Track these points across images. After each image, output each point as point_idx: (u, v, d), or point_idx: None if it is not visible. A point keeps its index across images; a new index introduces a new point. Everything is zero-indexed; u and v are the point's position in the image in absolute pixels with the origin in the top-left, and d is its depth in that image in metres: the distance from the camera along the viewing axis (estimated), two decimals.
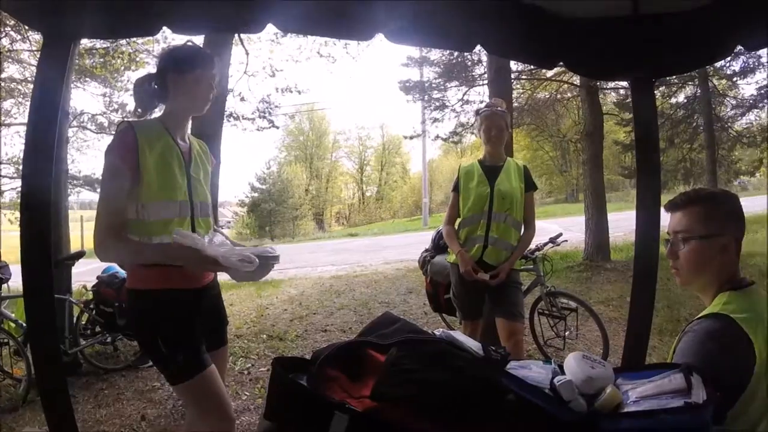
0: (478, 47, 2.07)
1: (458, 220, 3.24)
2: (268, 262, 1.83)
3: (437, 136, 13.75)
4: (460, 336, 1.43)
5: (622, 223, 10.78)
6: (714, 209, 1.42)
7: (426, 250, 4.18)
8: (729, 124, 13.36)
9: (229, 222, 32.88)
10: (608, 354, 4.04)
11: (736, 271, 1.43)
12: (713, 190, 1.52)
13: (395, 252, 13.06)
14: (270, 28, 1.76)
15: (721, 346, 1.27)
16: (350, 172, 45.57)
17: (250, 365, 4.59)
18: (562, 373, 1.31)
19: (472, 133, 14.38)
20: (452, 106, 12.57)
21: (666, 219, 1.70)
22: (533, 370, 1.33)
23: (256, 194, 33.38)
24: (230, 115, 11.10)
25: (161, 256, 1.74)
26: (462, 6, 1.94)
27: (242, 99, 11.08)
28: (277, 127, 13.30)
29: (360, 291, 7.94)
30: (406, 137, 15.76)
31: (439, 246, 3.95)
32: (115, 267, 4.38)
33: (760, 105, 12.78)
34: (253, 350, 5.02)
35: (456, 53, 11.03)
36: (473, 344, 1.39)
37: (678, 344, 1.38)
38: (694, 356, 1.28)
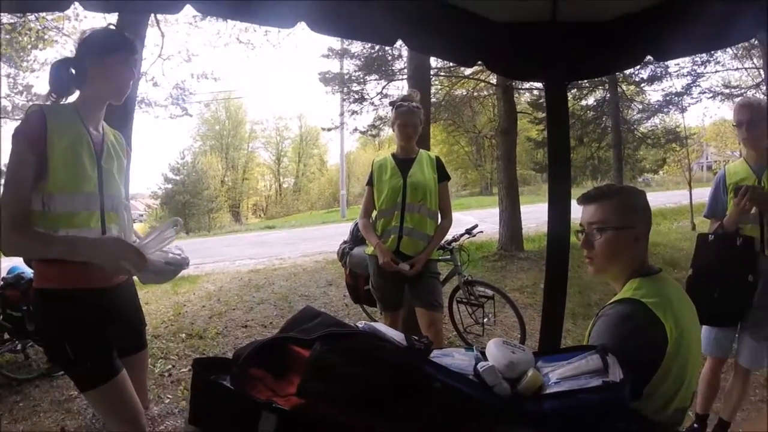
0: (400, 42, 2.09)
1: (374, 213, 3.28)
2: (178, 267, 1.78)
3: (355, 129, 13.76)
4: (382, 327, 1.44)
5: (534, 215, 11.34)
6: (627, 203, 1.52)
7: (344, 242, 4.18)
8: (635, 126, 14.50)
9: (142, 215, 31.20)
10: (525, 338, 4.25)
11: (645, 260, 1.54)
12: (624, 185, 1.62)
13: (314, 244, 12.97)
14: (188, 10, 1.67)
15: (634, 328, 1.37)
16: (267, 163, 44.75)
17: (170, 366, 4.37)
18: (485, 359, 1.34)
19: (390, 126, 14.59)
20: (371, 99, 12.57)
21: (576, 211, 1.81)
22: (456, 358, 1.36)
23: (169, 186, 32.01)
24: (142, 101, 10.52)
25: (71, 250, 1.61)
26: (386, 1, 1.95)
27: (155, 84, 10.58)
28: (191, 115, 12.78)
29: (279, 284, 7.81)
30: (324, 129, 15.55)
31: (357, 238, 3.96)
32: (21, 266, 3.99)
33: (665, 110, 13.89)
34: (172, 350, 4.78)
35: (377, 47, 11.05)
36: (396, 335, 1.40)
37: (593, 328, 1.48)
38: (608, 338, 1.37)
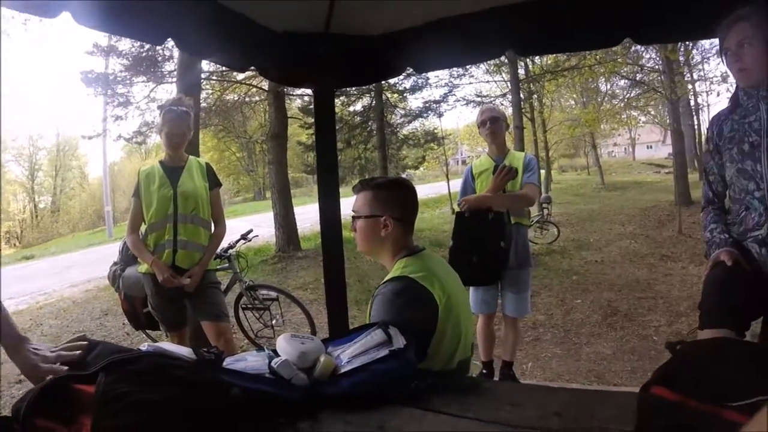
0: (170, 42, 1.98)
1: (143, 227, 3.02)
2: None
3: (119, 136, 12.58)
4: (168, 346, 1.36)
5: (309, 215, 11.70)
6: (376, 195, 1.71)
7: (115, 264, 3.69)
8: (398, 129, 16.44)
9: None
10: (316, 332, 4.39)
11: (408, 242, 1.74)
12: (384, 179, 1.82)
13: (81, 271, 11.27)
14: None
15: (407, 301, 1.54)
16: (19, 180, 36.56)
17: None
18: (278, 356, 1.36)
19: (158, 133, 13.45)
20: (137, 103, 11.51)
21: (345, 208, 1.98)
22: (250, 361, 1.35)
23: None
24: None
25: None
26: None
27: None
28: None
29: (49, 324, 6.69)
30: (84, 137, 13.68)
31: (128, 257, 3.54)
32: None
33: (425, 115, 16.20)
34: None
35: (147, 45, 10.08)
36: (184, 351, 1.34)
37: (371, 308, 1.63)
38: (386, 314, 1.52)
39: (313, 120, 13.36)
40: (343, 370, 1.28)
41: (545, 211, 10.18)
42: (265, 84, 11.27)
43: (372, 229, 1.69)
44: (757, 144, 1.63)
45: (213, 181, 3.10)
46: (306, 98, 14.27)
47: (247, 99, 14.66)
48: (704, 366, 0.98)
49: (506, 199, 2.99)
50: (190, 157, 3.11)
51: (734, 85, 1.79)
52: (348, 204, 1.93)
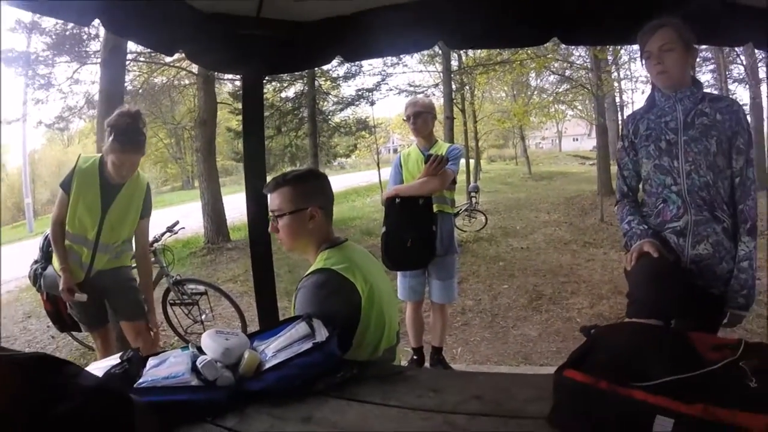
0: (97, 21, 1.86)
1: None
2: None
3: (40, 122, 11.76)
4: (97, 366, 1.30)
5: (238, 204, 11.33)
6: (297, 188, 1.68)
7: (35, 261, 3.26)
8: (330, 116, 16.10)
9: None
10: (247, 325, 4.30)
11: (330, 233, 1.74)
12: (298, 171, 1.79)
13: None
14: None
15: (329, 293, 1.55)
16: None
17: None
18: (202, 354, 1.33)
19: (81, 117, 12.61)
20: (59, 85, 10.72)
21: None
22: (171, 362, 1.30)
23: None
24: None
25: None
26: None
27: None
28: None
29: None
30: (2, 122, 12.61)
31: (49, 254, 3.19)
32: None
33: (357, 103, 16.03)
34: None
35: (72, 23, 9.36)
36: (102, 365, 1.29)
37: (295, 300, 1.62)
38: (310, 306, 1.52)
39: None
40: (268, 365, 1.27)
41: (473, 200, 10.44)
42: (194, 67, 10.85)
43: (299, 224, 1.67)
44: (674, 142, 1.75)
45: (146, 210, 2.82)
46: (237, 83, 13.79)
47: (175, 83, 14.11)
48: (615, 349, 1.04)
49: (415, 186, 3.02)
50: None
51: None
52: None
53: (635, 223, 1.82)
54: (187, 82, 14.01)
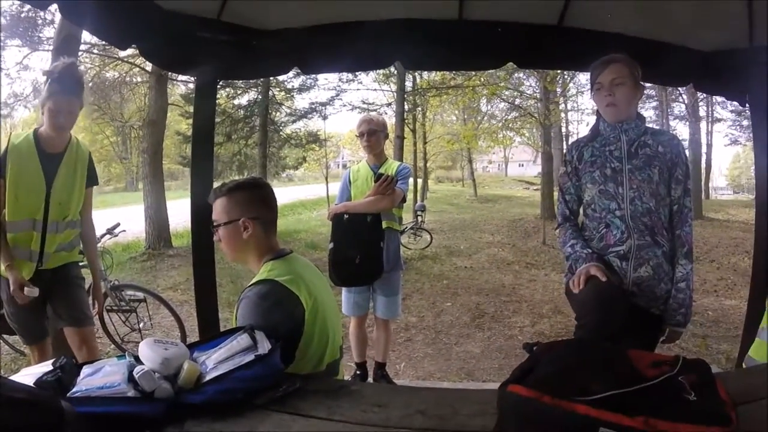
0: (54, 7, 1.78)
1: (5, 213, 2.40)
2: None
3: None
4: (28, 372, 1.23)
5: (182, 210, 11.03)
6: (231, 199, 1.67)
7: None
8: (281, 127, 16.01)
9: None
10: (186, 336, 4.14)
11: (273, 244, 1.72)
12: (238, 181, 1.77)
13: None
14: None
15: (273, 304, 1.52)
16: None
17: None
18: (140, 363, 1.26)
19: (26, 106, 11.95)
20: (7, 70, 10.15)
21: None
22: (106, 371, 1.23)
23: None
24: None
25: None
26: None
27: None
28: None
29: None
30: None
31: None
32: None
33: (309, 116, 16.17)
34: None
35: (28, 5, 8.84)
36: (33, 372, 1.22)
37: (237, 311, 1.58)
38: (253, 317, 1.48)
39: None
40: (208, 377, 1.22)
41: (419, 219, 10.60)
42: (148, 65, 10.51)
43: (234, 235, 1.65)
44: (619, 169, 1.85)
45: (92, 178, 2.61)
46: (190, 85, 13.46)
47: (127, 79, 13.61)
48: (558, 365, 1.07)
49: (365, 203, 3.04)
50: (73, 138, 2.53)
51: None
52: None
53: (579, 247, 1.88)
54: (139, 79, 13.55)
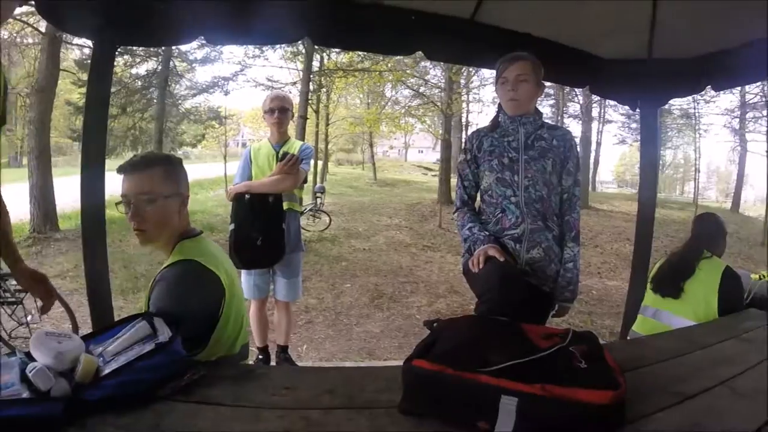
0: None
1: None
2: None
3: None
4: None
5: (71, 189, 10.10)
6: (172, 170, 1.57)
7: None
8: (180, 101, 15.12)
9: None
10: (78, 326, 3.79)
11: (189, 223, 1.65)
12: (164, 154, 1.68)
13: None
14: None
15: (193, 285, 1.46)
16: None
17: None
18: (32, 360, 1.15)
19: None
20: None
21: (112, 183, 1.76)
22: None
23: None
24: None
25: None
26: None
27: None
28: None
29: None
30: None
31: None
32: None
33: (211, 90, 15.38)
34: None
35: None
36: None
37: (151, 293, 1.48)
38: (170, 299, 1.42)
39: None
40: (107, 370, 1.15)
41: (318, 200, 10.62)
42: (42, 25, 9.36)
43: (171, 210, 1.54)
44: (516, 159, 1.98)
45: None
46: (86, 50, 12.22)
47: (18, 39, 12.07)
48: (458, 339, 1.15)
49: (268, 183, 2.99)
50: None
51: None
52: (115, 178, 1.68)
53: (476, 230, 1.99)
54: (31, 41, 12.08)
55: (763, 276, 3.01)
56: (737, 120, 21.31)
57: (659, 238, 7.43)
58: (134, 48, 11.46)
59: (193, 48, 13.35)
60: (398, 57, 12.12)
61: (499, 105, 2.07)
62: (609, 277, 7.75)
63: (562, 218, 2.06)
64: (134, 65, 13.60)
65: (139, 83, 13.58)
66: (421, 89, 16.35)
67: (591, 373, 1.04)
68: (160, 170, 1.53)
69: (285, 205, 3.03)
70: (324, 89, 16.87)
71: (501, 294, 1.66)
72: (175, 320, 1.32)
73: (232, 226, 2.99)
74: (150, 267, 5.65)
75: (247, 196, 2.95)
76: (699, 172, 24.35)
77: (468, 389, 0.99)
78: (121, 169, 1.54)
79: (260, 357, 3.29)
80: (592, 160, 24.35)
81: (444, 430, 1.01)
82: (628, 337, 2.68)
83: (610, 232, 11.69)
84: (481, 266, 1.80)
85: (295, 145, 3.16)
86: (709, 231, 2.54)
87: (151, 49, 12.12)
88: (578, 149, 2.12)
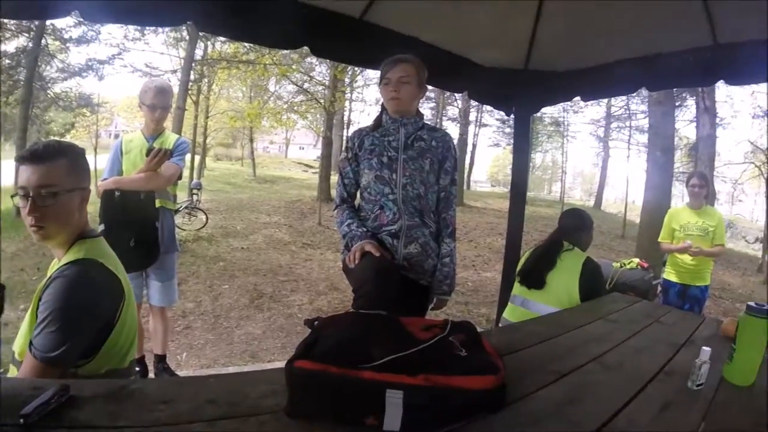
0: None
1: None
2: None
3: None
4: None
5: None
6: (76, 162, 1.41)
7: None
8: (50, 85, 13.39)
9: None
10: None
11: (88, 222, 1.49)
12: (68, 142, 1.49)
13: None
14: None
15: (93, 287, 1.33)
16: None
17: None
18: None
19: None
20: None
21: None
22: None
23: None
24: None
25: None
26: None
27: None
28: None
29: None
30: None
31: None
32: None
33: (84, 74, 13.81)
34: None
35: None
36: None
37: (42, 295, 1.31)
38: (66, 300, 1.27)
39: None
40: None
41: (194, 197, 10.16)
42: None
43: (74, 206, 1.39)
44: (395, 158, 2.05)
45: None
46: None
47: None
48: (339, 337, 1.15)
49: (137, 179, 2.78)
50: None
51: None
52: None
53: (354, 226, 2.03)
54: None
55: (624, 264, 3.44)
56: (602, 129, 24.98)
57: (529, 233, 8.09)
58: (5, 21, 9.94)
59: (69, 26, 11.93)
60: (285, 51, 11.95)
61: (383, 105, 2.13)
62: (483, 269, 8.28)
63: (439, 215, 2.16)
64: (3, 40, 11.84)
65: (7, 62, 11.76)
66: (305, 85, 16.25)
67: (471, 360, 1.10)
68: (64, 162, 1.37)
69: (157, 203, 2.84)
70: (206, 79, 16.13)
71: (376, 287, 1.70)
72: (70, 322, 1.20)
73: (101, 227, 2.70)
74: (28, 267, 5.02)
75: (116, 193, 2.72)
76: (566, 173, 27.86)
77: (353, 386, 1.00)
78: (20, 159, 1.36)
79: (137, 369, 3.04)
80: (468, 161, 26.18)
81: (333, 430, 1.01)
82: (500, 324, 2.88)
83: (483, 228, 12.53)
84: (357, 261, 1.83)
85: (170, 139, 2.97)
86: (572, 224, 2.78)
87: (23, 23, 10.61)
88: (456, 150, 2.22)
